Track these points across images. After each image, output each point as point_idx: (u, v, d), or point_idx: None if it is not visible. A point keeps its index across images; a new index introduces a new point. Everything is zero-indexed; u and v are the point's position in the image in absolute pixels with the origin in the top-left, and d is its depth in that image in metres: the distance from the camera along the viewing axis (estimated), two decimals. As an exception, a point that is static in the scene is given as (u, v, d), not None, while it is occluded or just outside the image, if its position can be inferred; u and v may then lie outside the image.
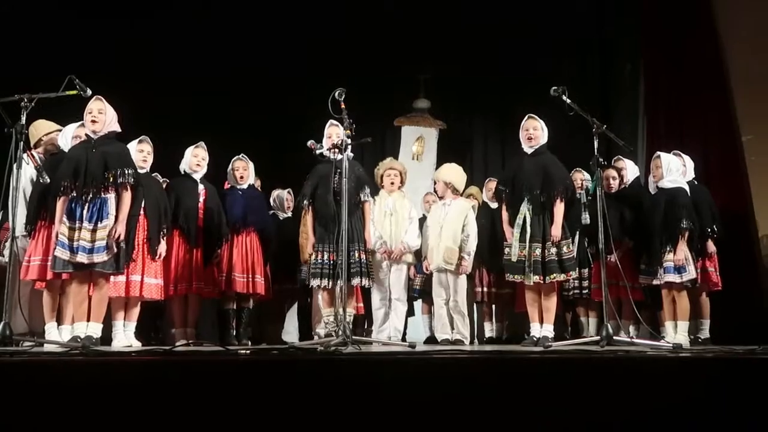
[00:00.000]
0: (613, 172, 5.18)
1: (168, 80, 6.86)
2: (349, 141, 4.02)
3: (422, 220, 5.59)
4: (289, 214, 5.86)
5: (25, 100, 3.49)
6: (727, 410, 2.37)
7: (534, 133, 4.48)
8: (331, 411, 2.26)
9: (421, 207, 6.12)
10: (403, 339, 5.37)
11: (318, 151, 4.54)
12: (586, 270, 5.20)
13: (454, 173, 5.36)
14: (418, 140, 8.08)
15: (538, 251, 4.33)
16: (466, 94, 8.18)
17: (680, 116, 6.11)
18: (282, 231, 5.59)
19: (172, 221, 4.67)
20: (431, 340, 5.55)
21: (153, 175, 4.82)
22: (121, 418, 2.18)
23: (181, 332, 4.80)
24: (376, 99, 7.57)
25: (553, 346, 3.85)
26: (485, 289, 5.70)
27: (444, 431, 2.29)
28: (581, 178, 5.34)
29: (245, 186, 5.25)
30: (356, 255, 4.49)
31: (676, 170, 4.67)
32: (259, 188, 5.58)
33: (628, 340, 4.11)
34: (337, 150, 4.19)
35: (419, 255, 5.43)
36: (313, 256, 4.56)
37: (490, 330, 6.07)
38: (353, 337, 3.66)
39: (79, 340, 3.73)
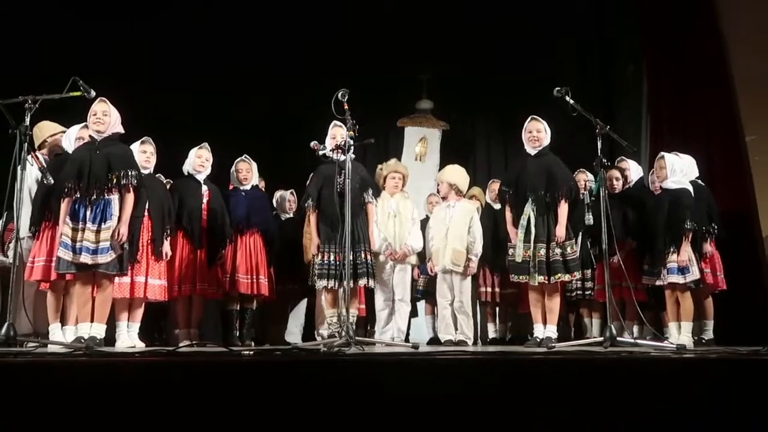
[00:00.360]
0: (616, 173, 5.18)
1: (170, 81, 6.88)
2: (352, 142, 4.02)
3: (424, 221, 5.60)
4: (291, 215, 5.86)
5: (29, 101, 3.50)
6: (730, 411, 2.37)
7: (538, 134, 4.48)
8: (334, 412, 2.26)
9: (424, 208, 6.13)
10: (406, 340, 5.37)
11: (321, 152, 4.54)
12: (589, 271, 5.19)
13: (458, 174, 5.36)
14: (421, 141, 8.08)
15: (542, 252, 4.33)
16: (469, 94, 8.19)
17: (683, 116, 6.10)
18: (284, 231, 5.59)
19: (175, 222, 4.68)
20: (434, 341, 5.55)
21: (156, 176, 4.84)
22: (125, 418, 2.19)
23: (185, 333, 4.81)
24: (379, 100, 7.59)
25: (556, 347, 3.84)
26: (489, 289, 5.70)
27: (447, 432, 2.29)
28: (584, 178, 5.34)
29: (249, 187, 5.26)
30: (363, 256, 4.50)
31: (680, 171, 4.66)
32: (263, 189, 5.59)
33: (632, 341, 4.10)
34: (340, 151, 4.19)
35: (422, 256, 5.44)
36: (319, 257, 4.56)
37: (493, 331, 6.07)
38: (356, 337, 3.67)
39: (82, 340, 3.73)
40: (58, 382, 2.26)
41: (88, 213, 3.80)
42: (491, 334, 6.07)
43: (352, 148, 4.08)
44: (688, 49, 6.16)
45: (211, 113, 6.97)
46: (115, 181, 3.86)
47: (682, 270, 4.45)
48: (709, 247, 4.69)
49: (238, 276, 4.96)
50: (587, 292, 5.28)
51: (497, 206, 5.59)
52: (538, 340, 4.39)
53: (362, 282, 4.51)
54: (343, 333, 3.66)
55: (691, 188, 4.63)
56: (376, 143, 5.23)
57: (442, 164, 7.02)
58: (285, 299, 5.81)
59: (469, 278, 5.17)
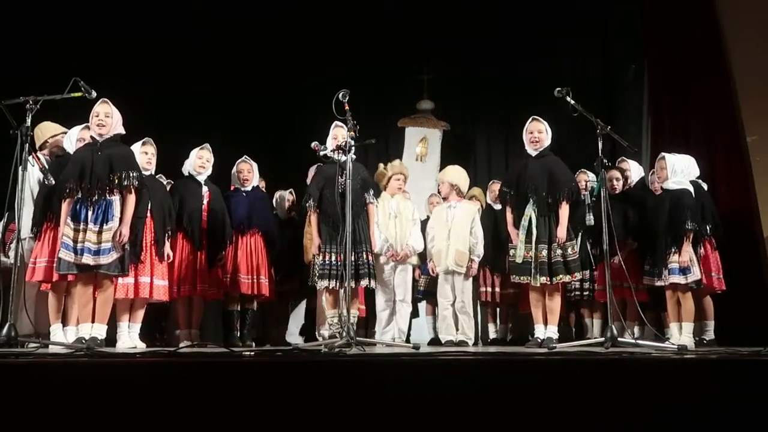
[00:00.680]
0: (616, 173, 5.17)
1: (170, 81, 6.88)
2: (353, 142, 4.02)
3: (424, 222, 5.59)
4: (291, 215, 5.83)
5: (30, 102, 3.50)
6: (732, 412, 2.37)
7: (539, 135, 4.48)
8: (335, 412, 2.26)
9: (425, 208, 6.12)
10: (407, 340, 5.37)
11: (322, 153, 4.54)
12: (588, 271, 5.19)
13: (459, 175, 5.37)
14: (421, 141, 8.08)
15: (544, 252, 4.32)
16: (470, 95, 8.20)
17: (684, 117, 6.09)
18: (282, 232, 5.57)
19: (176, 223, 4.68)
20: (435, 341, 5.55)
21: (157, 176, 4.84)
22: (126, 419, 2.19)
23: (186, 334, 4.81)
24: (380, 100, 7.59)
25: (557, 348, 3.84)
26: (489, 289, 5.70)
27: (448, 433, 2.29)
28: (585, 179, 5.33)
29: (250, 187, 5.25)
30: (364, 256, 4.49)
31: (680, 171, 4.65)
32: (263, 189, 5.58)
33: (633, 341, 4.09)
34: (341, 151, 4.19)
35: (423, 256, 5.44)
36: (320, 258, 4.56)
37: (494, 331, 6.08)
38: (357, 338, 3.67)
39: (84, 341, 3.74)
40: (60, 383, 2.27)
41: (90, 214, 3.80)
42: (492, 335, 6.07)
43: (354, 148, 4.08)
44: (690, 49, 6.16)
45: (212, 113, 6.98)
46: (116, 182, 3.86)
47: (683, 270, 4.45)
48: (701, 249, 4.65)
49: (239, 276, 4.97)
50: (585, 293, 5.27)
51: (497, 207, 5.59)
52: (539, 340, 4.39)
53: (363, 282, 4.50)
54: (344, 334, 3.66)
55: (691, 188, 4.62)
56: (377, 144, 5.23)
57: (443, 165, 7.02)
58: (286, 300, 5.81)
59: (471, 278, 5.17)
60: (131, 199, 3.92)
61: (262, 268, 5.07)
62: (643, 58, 6.71)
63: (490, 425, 2.30)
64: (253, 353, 3.31)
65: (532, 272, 4.32)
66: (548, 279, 4.30)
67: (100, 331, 3.88)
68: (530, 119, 4.55)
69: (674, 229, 4.50)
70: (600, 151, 4.10)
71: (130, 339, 4.35)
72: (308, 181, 5.49)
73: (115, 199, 3.87)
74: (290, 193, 5.88)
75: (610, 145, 4.96)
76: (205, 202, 4.91)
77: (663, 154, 4.79)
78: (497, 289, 5.70)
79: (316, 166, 5.44)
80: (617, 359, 2.84)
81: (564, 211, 4.36)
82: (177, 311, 4.88)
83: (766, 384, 2.41)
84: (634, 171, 5.29)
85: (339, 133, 4.58)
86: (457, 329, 5.10)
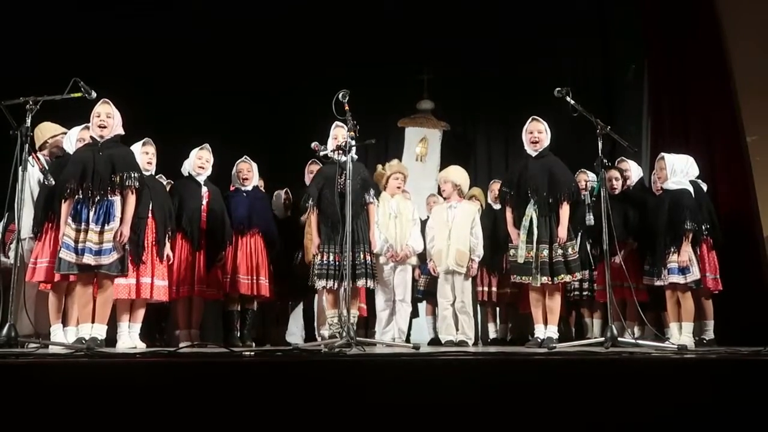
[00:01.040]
0: (615, 173, 5.17)
1: (170, 81, 6.89)
2: (353, 142, 4.02)
3: (424, 222, 5.59)
4: (289, 214, 5.81)
5: (30, 102, 3.50)
6: (732, 411, 2.37)
7: (539, 135, 4.48)
8: (335, 412, 2.26)
9: (424, 208, 6.12)
10: (407, 340, 5.37)
11: (322, 153, 4.54)
12: (587, 271, 5.19)
13: (462, 175, 5.37)
14: (421, 141, 8.08)
15: (545, 252, 4.33)
16: (470, 95, 8.20)
17: (684, 117, 6.09)
18: (282, 231, 5.55)
19: (175, 224, 4.68)
20: (435, 341, 5.55)
21: (157, 177, 4.84)
22: (126, 419, 2.19)
23: (186, 334, 4.81)
24: (380, 100, 7.59)
25: (557, 348, 3.84)
26: (486, 288, 5.71)
27: (448, 433, 2.29)
28: (585, 179, 5.33)
29: (250, 187, 5.25)
30: (361, 256, 4.49)
31: (680, 171, 4.65)
32: (262, 189, 5.58)
33: (633, 341, 4.10)
34: (341, 151, 4.19)
35: (422, 256, 5.44)
36: (318, 257, 4.56)
37: (494, 331, 6.08)
38: (357, 338, 3.67)
39: (84, 341, 3.74)
40: (60, 383, 2.27)
41: (91, 214, 3.81)
42: (492, 335, 6.07)
43: (354, 148, 4.08)
44: (690, 49, 6.16)
45: (212, 113, 6.98)
46: (118, 182, 3.87)
47: (683, 270, 4.45)
48: (699, 248, 4.65)
49: (239, 276, 4.97)
50: (584, 293, 5.27)
51: (497, 206, 5.59)
52: (539, 340, 4.39)
53: (360, 282, 4.50)
54: (344, 334, 3.66)
55: (691, 189, 4.62)
56: (377, 143, 5.23)
57: (443, 165, 7.03)
58: (286, 300, 5.80)
59: (471, 279, 5.18)
60: (132, 199, 3.93)
61: (261, 269, 5.07)
62: (643, 58, 6.71)
63: (490, 425, 2.30)
64: (253, 353, 3.31)
65: (534, 272, 4.32)
66: (549, 279, 4.31)
67: (100, 331, 3.88)
68: (530, 119, 4.55)
69: (674, 229, 4.51)
70: (600, 151, 4.10)
71: (130, 339, 4.35)
72: (306, 178, 5.51)
73: (116, 199, 3.88)
74: (286, 192, 5.86)
75: (610, 145, 4.97)
76: (204, 202, 4.91)
77: (662, 154, 4.79)
78: (494, 289, 5.71)
79: (311, 161, 5.46)
80: (617, 359, 2.84)
81: (565, 211, 4.37)
82: (177, 311, 4.88)
83: (766, 384, 2.41)
84: (634, 171, 5.29)
85: (339, 133, 4.58)
86: (457, 329, 5.10)
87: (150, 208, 4.36)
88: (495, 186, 5.70)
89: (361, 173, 4.59)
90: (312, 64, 7.28)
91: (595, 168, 4.23)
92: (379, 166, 5.63)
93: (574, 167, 4.98)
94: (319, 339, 5.07)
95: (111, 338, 4.16)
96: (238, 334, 5.07)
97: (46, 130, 4.49)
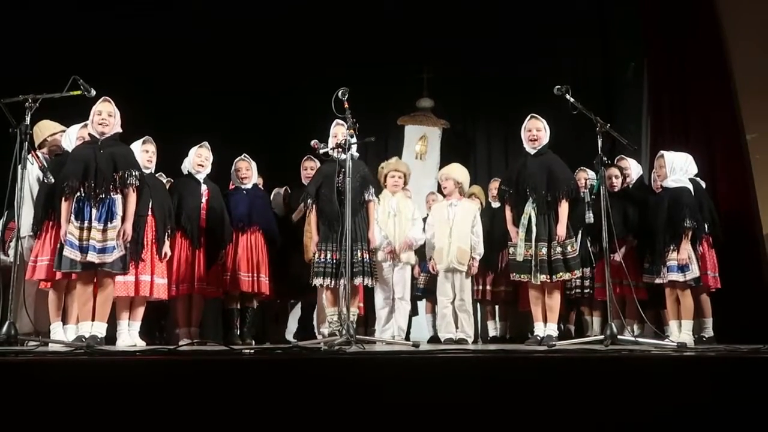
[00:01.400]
0: (615, 171, 5.17)
1: (170, 80, 6.88)
2: (352, 140, 4.02)
3: (423, 219, 5.58)
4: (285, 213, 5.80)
5: (30, 100, 3.50)
6: (731, 409, 2.37)
7: (537, 133, 4.48)
8: (335, 410, 2.26)
9: (424, 206, 6.12)
10: (407, 338, 5.37)
11: (321, 151, 4.55)
12: (588, 269, 5.19)
13: (464, 173, 5.37)
14: (421, 139, 8.07)
15: (544, 250, 4.33)
16: (470, 93, 8.19)
17: (684, 114, 6.10)
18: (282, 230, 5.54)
19: (175, 222, 4.68)
20: (434, 339, 5.55)
21: (157, 175, 4.84)
22: (126, 417, 2.19)
23: (185, 332, 4.82)
24: (380, 98, 7.59)
25: (557, 345, 3.84)
26: (482, 287, 5.71)
27: (448, 431, 2.29)
28: (585, 177, 5.33)
29: (249, 185, 5.26)
30: (359, 254, 4.49)
31: (679, 169, 4.66)
32: (261, 188, 5.58)
33: (632, 339, 4.10)
34: (341, 149, 4.19)
35: (422, 254, 5.44)
36: (317, 255, 4.56)
37: (493, 329, 6.08)
38: (357, 336, 3.67)
39: (83, 339, 3.74)
40: (59, 381, 2.27)
41: (94, 212, 3.80)
42: (491, 333, 6.08)
43: (354, 146, 4.08)
44: (689, 47, 6.16)
45: (212, 113, 6.98)
46: (119, 180, 3.87)
47: (682, 268, 4.46)
48: (699, 247, 4.65)
49: (240, 274, 4.97)
50: (585, 291, 5.27)
51: (496, 205, 5.59)
52: (538, 338, 4.40)
53: (357, 280, 4.49)
54: (344, 331, 3.66)
55: (690, 186, 4.63)
56: (377, 142, 5.22)
57: (443, 163, 7.02)
58: (285, 298, 5.80)
59: (470, 277, 5.18)
60: (133, 197, 3.93)
61: (262, 266, 5.07)
62: (643, 58, 6.71)
63: (489, 423, 2.30)
64: (252, 351, 3.32)
65: (533, 270, 4.32)
66: (548, 277, 4.31)
67: (100, 329, 3.88)
68: (528, 117, 4.55)
69: (673, 227, 4.51)
70: (600, 149, 4.11)
71: (130, 337, 4.35)
72: (301, 174, 5.51)
73: (118, 197, 3.88)
74: (285, 190, 5.86)
75: (610, 143, 4.97)
76: (203, 200, 4.91)
77: (661, 152, 4.79)
78: (488, 287, 5.71)
79: (306, 157, 5.46)
80: (617, 357, 2.84)
81: (563, 208, 4.37)
82: (177, 309, 4.89)
83: (766, 381, 2.42)
84: (634, 169, 5.29)
85: (339, 132, 4.58)
86: (457, 327, 5.10)
87: (150, 206, 4.36)
88: (494, 185, 5.70)
89: (360, 171, 4.59)
90: (312, 64, 7.28)
91: (594, 166, 4.23)
92: (382, 165, 5.62)
93: (574, 165, 4.98)
94: (319, 337, 5.08)
95: (111, 336, 4.16)
96: (238, 332, 5.08)
97: (45, 128, 4.49)
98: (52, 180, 3.76)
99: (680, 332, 4.49)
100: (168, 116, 6.67)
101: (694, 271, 4.46)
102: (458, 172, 5.34)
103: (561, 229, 4.34)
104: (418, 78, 8.14)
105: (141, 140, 4.52)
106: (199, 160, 4.95)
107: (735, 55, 5.93)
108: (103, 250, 3.77)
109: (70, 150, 4.14)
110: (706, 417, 2.35)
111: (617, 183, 5.17)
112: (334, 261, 4.45)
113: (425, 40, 7.45)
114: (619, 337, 3.87)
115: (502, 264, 5.58)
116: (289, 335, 5.87)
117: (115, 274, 3.90)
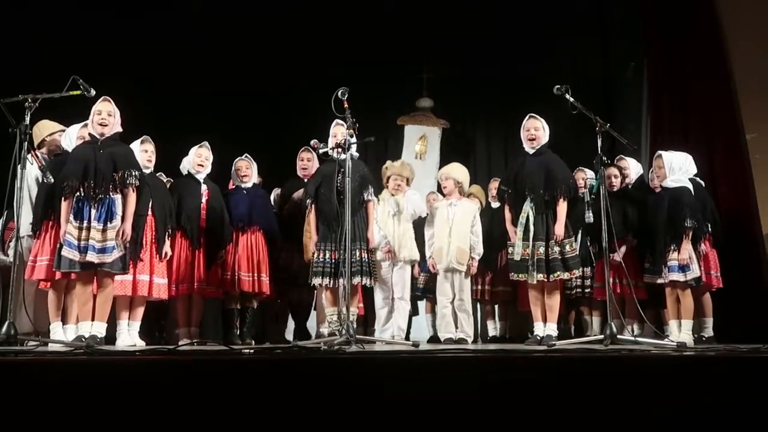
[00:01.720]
0: (614, 171, 5.17)
1: (169, 80, 6.88)
2: (352, 140, 4.02)
3: (423, 219, 5.58)
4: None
5: (29, 100, 3.50)
6: (731, 409, 2.37)
7: (536, 133, 4.48)
8: (334, 410, 2.26)
9: (424, 206, 6.10)
10: (407, 338, 5.37)
11: (321, 150, 4.55)
12: (589, 269, 5.19)
13: (463, 172, 5.37)
14: (421, 139, 8.07)
15: (541, 250, 4.33)
16: (469, 93, 8.19)
17: (684, 114, 6.10)
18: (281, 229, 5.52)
19: (175, 221, 4.68)
20: (434, 339, 5.55)
21: (157, 174, 4.84)
22: (125, 417, 2.19)
23: (185, 332, 4.82)
24: (380, 98, 7.59)
25: (556, 345, 3.84)
26: (481, 287, 5.71)
27: (447, 430, 2.29)
28: (583, 177, 5.33)
29: (250, 185, 5.26)
30: (358, 254, 4.49)
31: (678, 168, 4.66)
32: (261, 188, 5.57)
33: (632, 338, 4.10)
34: (340, 149, 4.20)
35: (422, 254, 5.43)
36: (316, 255, 4.56)
37: (493, 329, 6.08)
38: (356, 336, 3.67)
39: (83, 339, 3.74)
40: (59, 381, 2.27)
41: (93, 212, 3.80)
42: (491, 332, 6.07)
43: (354, 146, 4.08)
44: (689, 47, 6.16)
45: (212, 113, 6.98)
46: (119, 180, 3.87)
47: (683, 268, 4.46)
48: (701, 246, 4.66)
49: (240, 274, 4.97)
50: (586, 290, 5.27)
51: (496, 205, 5.59)
52: (538, 338, 4.40)
53: (356, 280, 4.49)
54: (344, 331, 3.66)
55: (691, 186, 4.63)
56: (377, 142, 5.24)
57: (442, 162, 7.02)
58: (285, 298, 5.79)
59: (470, 276, 5.18)
60: (133, 197, 3.93)
61: (262, 266, 5.07)
62: (643, 58, 6.71)
63: (489, 423, 2.30)
64: (252, 351, 3.32)
65: (530, 269, 4.32)
66: (545, 276, 4.31)
67: (99, 329, 3.88)
68: (527, 117, 4.55)
69: (674, 226, 4.51)
70: (599, 149, 4.11)
71: (129, 337, 4.35)
72: (297, 166, 5.50)
73: (118, 197, 3.88)
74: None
75: (609, 142, 4.98)
76: (203, 200, 4.91)
77: (659, 152, 4.79)
78: (487, 287, 5.71)
79: (303, 149, 5.45)
80: (617, 356, 2.84)
81: (561, 208, 4.37)
82: (176, 309, 4.89)
83: (766, 381, 2.42)
84: (633, 169, 5.29)
85: (339, 131, 4.58)
86: (457, 327, 5.10)
87: (150, 205, 4.36)
88: (494, 184, 5.70)
89: (360, 171, 4.59)
90: (312, 64, 7.28)
91: (594, 165, 4.23)
92: (388, 163, 5.61)
93: (573, 165, 4.98)
94: (319, 336, 5.07)
95: (110, 336, 4.16)
96: (238, 332, 5.07)
97: (45, 128, 4.49)
98: (52, 180, 3.75)
99: (680, 332, 4.49)
100: (168, 116, 6.67)
101: (694, 271, 4.46)
102: (457, 171, 5.34)
103: (559, 229, 4.34)
104: (417, 78, 8.15)
105: (139, 140, 4.52)
106: (199, 160, 4.95)
107: (735, 55, 5.93)
108: (102, 250, 3.77)
109: (69, 150, 4.14)
110: (705, 417, 2.35)
111: (616, 183, 5.17)
112: (333, 261, 4.45)
113: (425, 40, 7.45)
114: (618, 336, 3.87)
115: (501, 264, 5.58)
116: (289, 335, 5.87)
117: (115, 274, 3.90)
